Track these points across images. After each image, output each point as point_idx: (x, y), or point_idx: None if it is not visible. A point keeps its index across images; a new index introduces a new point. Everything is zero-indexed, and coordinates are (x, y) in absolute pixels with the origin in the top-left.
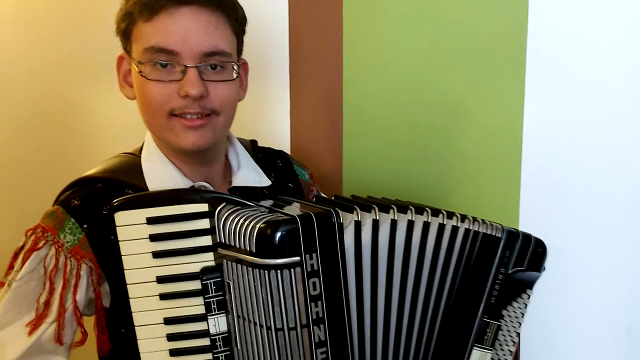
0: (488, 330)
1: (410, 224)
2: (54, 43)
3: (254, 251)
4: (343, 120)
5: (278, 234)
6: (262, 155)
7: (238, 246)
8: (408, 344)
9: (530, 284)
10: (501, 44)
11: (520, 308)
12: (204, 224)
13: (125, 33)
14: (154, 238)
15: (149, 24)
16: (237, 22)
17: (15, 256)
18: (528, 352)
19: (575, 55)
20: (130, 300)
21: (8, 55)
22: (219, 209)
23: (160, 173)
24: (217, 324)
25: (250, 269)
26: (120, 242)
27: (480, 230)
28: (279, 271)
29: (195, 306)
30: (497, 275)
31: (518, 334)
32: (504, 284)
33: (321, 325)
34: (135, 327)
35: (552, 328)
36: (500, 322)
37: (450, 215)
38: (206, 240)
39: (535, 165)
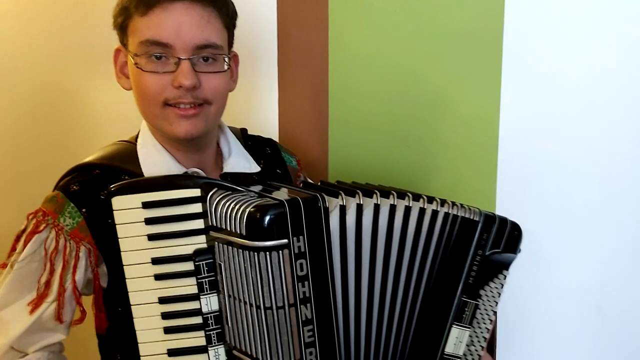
0: (466, 309)
1: (393, 208)
2: (54, 37)
3: (244, 234)
4: (329, 110)
5: (267, 218)
6: (252, 143)
7: (229, 229)
8: (390, 322)
9: (506, 265)
10: (478, 37)
11: (497, 288)
12: (197, 208)
13: (122, 27)
14: (149, 221)
15: (144, 18)
16: (228, 16)
17: (17, 239)
18: (504, 330)
19: (548, 48)
20: (126, 280)
21: (10, 48)
22: (210, 193)
23: (155, 160)
24: (209, 303)
25: (241, 250)
26: (117, 225)
27: (458, 214)
28: (267, 253)
29: (188, 286)
30: (475, 257)
31: (495, 313)
32: (481, 265)
33: (308, 305)
34: (132, 306)
35: (527, 307)
36: (478, 302)
37: (431, 200)
38: (199, 224)
39: (511, 152)
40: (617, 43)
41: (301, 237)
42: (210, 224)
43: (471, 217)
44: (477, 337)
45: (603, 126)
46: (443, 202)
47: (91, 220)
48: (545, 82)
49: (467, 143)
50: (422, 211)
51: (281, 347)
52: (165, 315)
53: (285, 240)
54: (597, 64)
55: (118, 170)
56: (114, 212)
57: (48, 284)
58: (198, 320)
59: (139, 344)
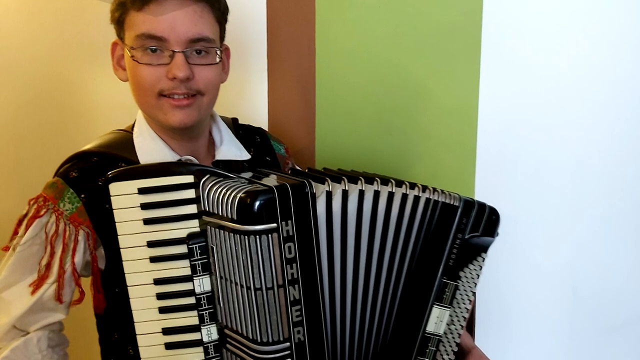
0: (447, 290)
1: (377, 194)
2: (54, 30)
3: (235, 218)
4: (316, 100)
5: (257, 203)
6: (243, 132)
7: (221, 214)
8: (374, 302)
9: (484, 248)
10: (458, 31)
11: (475, 270)
12: (190, 193)
13: (119, 21)
14: (144, 206)
15: (140, 13)
16: (220, 11)
17: (19, 223)
18: (483, 310)
19: (524, 42)
20: (123, 262)
21: (13, 41)
22: (203, 180)
23: (150, 148)
24: (202, 284)
25: (232, 234)
26: (114, 210)
27: (439, 200)
28: (257, 236)
29: (182, 268)
30: (454, 240)
31: (474, 293)
32: (461, 248)
33: (296, 286)
34: (128, 287)
35: (505, 288)
36: (458, 283)
37: (413, 186)
38: (192, 209)
39: (489, 140)
40: (589, 37)
41: (289, 222)
42: (203, 208)
43: (451, 203)
44: (457, 316)
45: (576, 116)
46: (424, 188)
47: (89, 206)
48: (521, 74)
49: (447, 132)
50: (404, 197)
51: (270, 325)
52: (160, 296)
53: (274, 225)
54: (571, 57)
55: (115, 158)
56: (111, 197)
57: (48, 266)
58: (191, 300)
59: (135, 323)
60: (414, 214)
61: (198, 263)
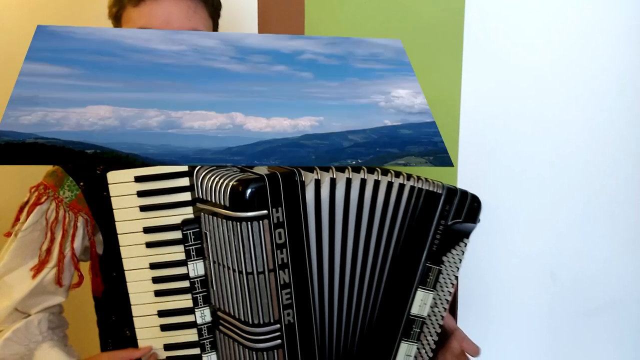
0: (430, 274)
1: (363, 182)
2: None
3: (228, 205)
4: None
5: (248, 191)
6: None
7: (214, 201)
8: (361, 286)
9: (467, 234)
10: (442, 27)
11: (458, 255)
12: (184, 182)
13: (116, 16)
14: (141, 194)
15: (136, 8)
16: (213, 7)
17: (21, 210)
18: (465, 293)
19: (505, 37)
20: (120, 248)
21: (15, 36)
22: (197, 168)
23: None
24: (196, 268)
25: (225, 220)
26: (111, 198)
27: (423, 188)
28: (249, 223)
29: (177, 253)
30: (438, 226)
31: (456, 277)
32: (444, 234)
33: (286, 270)
34: (125, 271)
35: (486, 272)
36: (441, 267)
37: (398, 174)
38: (186, 196)
39: (471, 132)
40: (568, 33)
41: (280, 208)
42: (196, 196)
43: (435, 190)
44: (440, 299)
45: (555, 108)
46: (409, 177)
47: (88, 193)
48: (502, 68)
49: None
50: (389, 184)
51: (261, 308)
52: (156, 280)
53: (265, 211)
54: (551, 52)
55: None
56: (109, 185)
57: (49, 251)
58: (185, 284)
59: (132, 306)
60: (399, 201)
61: (192, 248)
